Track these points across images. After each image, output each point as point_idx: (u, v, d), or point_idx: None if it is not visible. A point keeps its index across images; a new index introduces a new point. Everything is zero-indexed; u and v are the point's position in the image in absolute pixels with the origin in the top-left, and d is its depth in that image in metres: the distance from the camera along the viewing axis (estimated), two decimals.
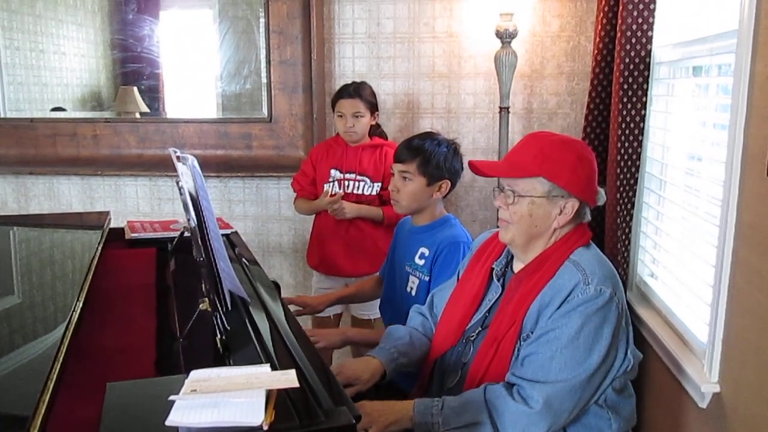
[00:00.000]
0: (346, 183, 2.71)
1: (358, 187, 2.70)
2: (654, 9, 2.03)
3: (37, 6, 3.33)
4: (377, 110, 2.73)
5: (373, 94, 2.72)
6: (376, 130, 2.78)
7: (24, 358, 1.26)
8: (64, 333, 1.29)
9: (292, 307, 2.16)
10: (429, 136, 2.20)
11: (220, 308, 1.40)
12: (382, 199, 2.68)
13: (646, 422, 1.99)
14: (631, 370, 1.59)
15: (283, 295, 2.11)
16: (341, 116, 2.67)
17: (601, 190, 1.66)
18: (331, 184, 2.72)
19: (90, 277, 1.68)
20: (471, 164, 1.66)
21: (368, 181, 2.70)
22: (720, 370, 1.58)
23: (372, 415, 1.49)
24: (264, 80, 3.17)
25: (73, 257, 2.03)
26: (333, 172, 2.73)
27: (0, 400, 1.09)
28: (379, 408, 1.52)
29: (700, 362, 1.68)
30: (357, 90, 2.65)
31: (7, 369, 1.21)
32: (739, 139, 1.47)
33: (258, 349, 1.31)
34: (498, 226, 1.70)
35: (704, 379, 1.61)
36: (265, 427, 0.95)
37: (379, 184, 2.68)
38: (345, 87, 2.69)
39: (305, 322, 2.81)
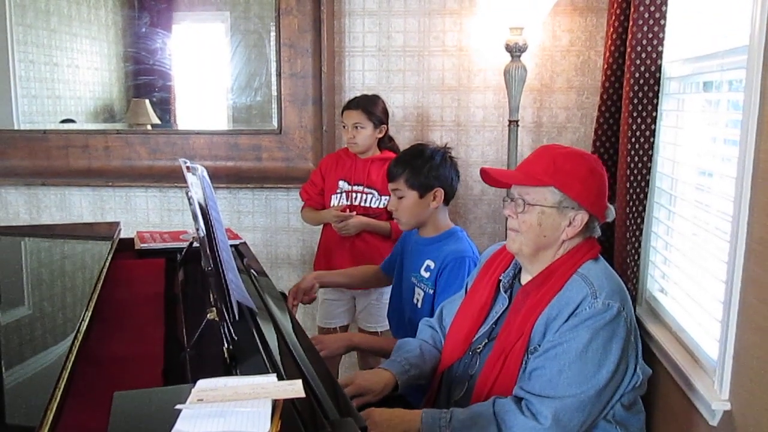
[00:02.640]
0: (354, 195, 2.71)
1: (366, 200, 2.70)
2: (664, 24, 2.03)
3: (51, 20, 3.38)
4: (384, 124, 2.72)
5: (383, 109, 2.72)
6: (387, 144, 2.78)
7: (33, 368, 1.26)
8: (73, 342, 1.30)
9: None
10: (414, 149, 2.21)
11: (227, 318, 1.40)
12: (390, 212, 2.68)
13: None
14: (641, 385, 1.57)
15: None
16: (345, 127, 2.69)
17: (611, 207, 1.66)
18: (339, 195, 2.73)
19: (99, 287, 1.68)
20: (482, 171, 1.67)
21: (376, 194, 2.70)
22: (731, 388, 1.56)
23: (380, 425, 1.48)
24: (274, 93, 3.19)
25: (83, 268, 2.04)
26: (341, 183, 2.73)
27: (9, 410, 1.10)
28: (387, 417, 1.51)
29: (711, 379, 1.66)
30: (360, 102, 2.68)
31: (16, 380, 1.21)
32: (749, 154, 1.47)
33: (265, 359, 1.31)
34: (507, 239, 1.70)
35: (714, 397, 1.60)
36: None
37: (387, 197, 2.68)
38: (353, 99, 2.73)
39: (311, 331, 2.81)
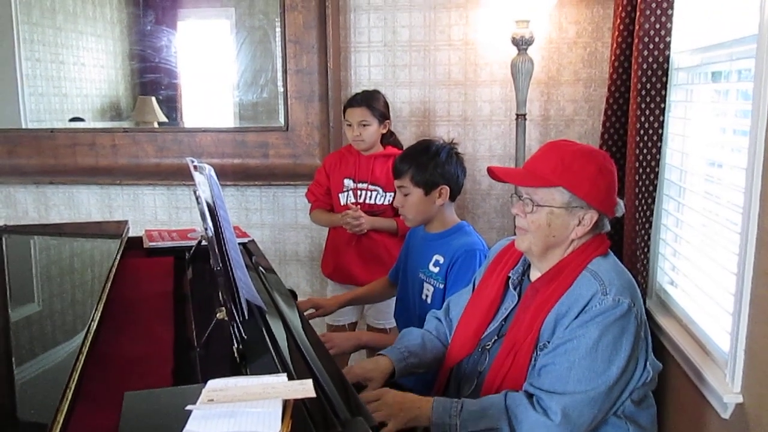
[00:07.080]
0: (359, 193, 2.70)
1: (371, 197, 2.70)
2: (671, 14, 2.01)
3: (57, 18, 3.38)
4: (388, 119, 2.71)
5: (384, 103, 2.71)
6: (389, 139, 2.76)
7: (43, 366, 1.27)
8: (83, 342, 1.30)
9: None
10: (419, 145, 2.20)
11: (236, 317, 1.40)
12: (395, 209, 2.67)
13: None
14: (651, 381, 1.57)
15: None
16: (350, 125, 2.67)
17: (620, 202, 1.64)
18: (346, 193, 2.72)
19: (108, 286, 1.69)
20: (489, 170, 1.66)
21: (380, 190, 2.69)
22: (743, 381, 1.55)
23: (393, 408, 1.49)
24: (280, 89, 3.19)
25: (92, 266, 2.05)
26: (346, 181, 2.73)
27: (20, 409, 1.10)
28: (400, 400, 1.52)
29: (722, 372, 1.65)
30: (364, 99, 2.66)
31: (27, 377, 1.22)
32: (760, 144, 1.45)
33: (275, 358, 1.31)
34: (515, 234, 1.69)
35: (726, 390, 1.59)
36: None
37: (392, 193, 2.66)
38: (354, 96, 2.71)
39: (320, 329, 2.82)
